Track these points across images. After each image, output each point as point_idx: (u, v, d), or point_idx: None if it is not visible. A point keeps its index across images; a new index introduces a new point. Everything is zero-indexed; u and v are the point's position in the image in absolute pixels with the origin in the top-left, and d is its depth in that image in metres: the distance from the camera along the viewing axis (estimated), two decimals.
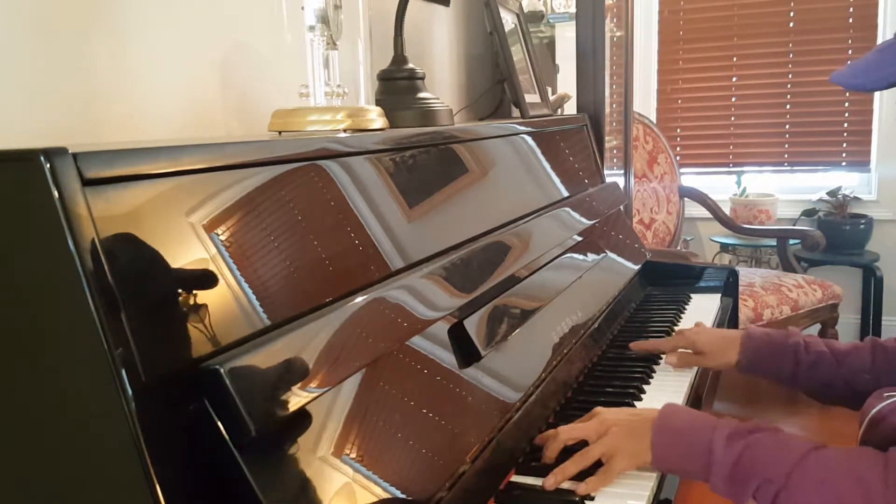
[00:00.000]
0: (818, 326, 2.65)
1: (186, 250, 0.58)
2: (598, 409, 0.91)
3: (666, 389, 1.12)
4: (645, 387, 1.12)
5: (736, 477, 0.80)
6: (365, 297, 0.72)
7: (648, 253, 1.70)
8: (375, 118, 0.99)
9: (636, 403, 1.05)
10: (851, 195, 3.17)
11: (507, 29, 1.68)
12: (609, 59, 1.95)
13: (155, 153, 0.59)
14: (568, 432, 0.88)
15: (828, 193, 3.19)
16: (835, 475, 0.76)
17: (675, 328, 1.41)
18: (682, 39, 3.41)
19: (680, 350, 1.19)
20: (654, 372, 1.17)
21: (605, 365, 1.20)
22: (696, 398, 1.12)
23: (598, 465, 0.85)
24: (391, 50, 1.30)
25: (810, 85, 3.25)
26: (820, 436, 2.43)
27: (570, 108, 2.01)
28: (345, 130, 0.94)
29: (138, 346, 0.51)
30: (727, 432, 0.82)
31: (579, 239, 1.34)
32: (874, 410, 0.90)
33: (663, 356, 1.21)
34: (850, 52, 3.16)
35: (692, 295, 1.62)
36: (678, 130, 3.48)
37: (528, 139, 1.40)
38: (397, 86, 1.29)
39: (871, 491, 0.73)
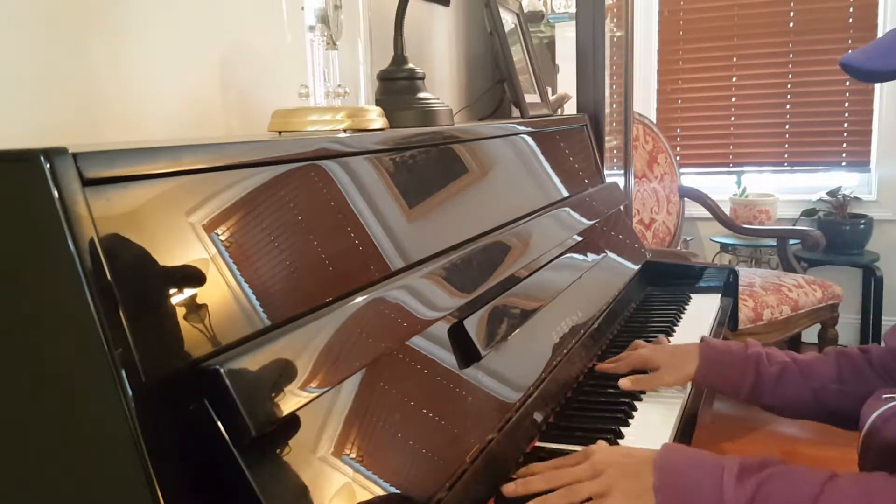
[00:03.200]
0: (818, 326, 2.65)
1: (186, 250, 0.58)
2: (592, 448, 0.83)
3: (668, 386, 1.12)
4: None
5: None
6: (365, 297, 0.72)
7: (648, 253, 1.70)
8: (375, 118, 0.99)
9: (636, 403, 1.05)
10: (851, 195, 3.17)
11: (507, 29, 1.68)
12: (609, 59, 1.95)
13: (155, 153, 0.59)
14: (557, 478, 0.80)
15: (828, 193, 3.20)
16: None
17: (676, 328, 1.41)
18: (682, 39, 3.41)
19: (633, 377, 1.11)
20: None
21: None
22: (695, 399, 1.12)
23: None
24: (391, 50, 1.30)
25: (810, 85, 3.25)
26: (820, 438, 2.43)
27: (570, 108, 2.01)
28: (345, 130, 0.94)
29: (138, 346, 0.51)
30: (736, 470, 0.77)
31: (579, 239, 1.34)
32: (875, 414, 0.88)
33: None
34: (849, 52, 3.16)
35: (692, 295, 1.62)
36: (678, 130, 3.48)
37: (528, 139, 1.40)
38: (397, 86, 1.29)
39: None
